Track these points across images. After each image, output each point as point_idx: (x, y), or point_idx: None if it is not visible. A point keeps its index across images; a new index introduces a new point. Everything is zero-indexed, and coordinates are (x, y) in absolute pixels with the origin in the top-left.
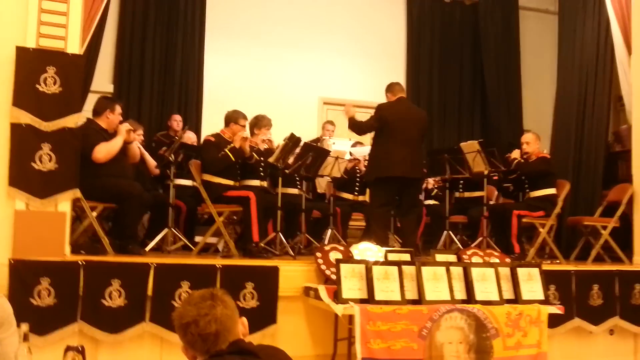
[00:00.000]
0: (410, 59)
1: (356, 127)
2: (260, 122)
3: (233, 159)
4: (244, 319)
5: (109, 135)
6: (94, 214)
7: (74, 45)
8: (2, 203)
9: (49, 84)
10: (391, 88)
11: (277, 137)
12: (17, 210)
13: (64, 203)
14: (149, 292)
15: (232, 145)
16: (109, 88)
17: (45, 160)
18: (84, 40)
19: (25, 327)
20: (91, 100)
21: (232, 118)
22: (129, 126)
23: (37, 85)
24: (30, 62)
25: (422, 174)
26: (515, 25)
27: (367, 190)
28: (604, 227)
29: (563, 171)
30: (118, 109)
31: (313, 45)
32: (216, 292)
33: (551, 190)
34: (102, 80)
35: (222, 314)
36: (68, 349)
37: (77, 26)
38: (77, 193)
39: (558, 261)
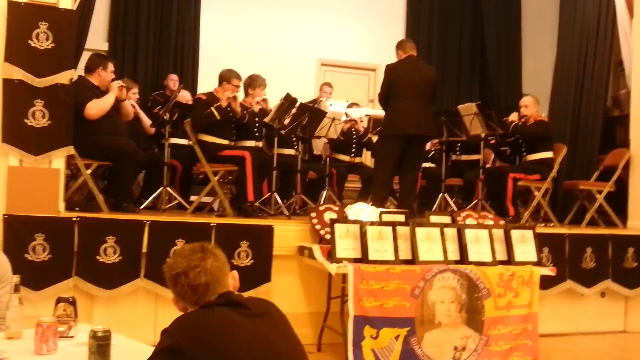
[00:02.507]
0: (410, 20)
1: (380, 102)
2: (254, 82)
3: (218, 117)
4: (235, 273)
5: (101, 92)
6: (89, 171)
7: (67, 0)
8: None
9: (42, 39)
10: (402, 45)
11: (274, 98)
12: (10, 166)
13: (57, 160)
14: (144, 249)
15: (218, 103)
16: (104, 46)
17: (38, 117)
18: None
19: (16, 278)
20: (86, 58)
21: (226, 77)
22: (121, 83)
23: (30, 41)
24: (22, 17)
25: (430, 132)
26: None
27: (364, 152)
28: (600, 192)
29: (561, 135)
30: (110, 66)
31: (311, 5)
32: (207, 245)
33: (548, 154)
34: (97, 38)
35: (212, 265)
36: (59, 300)
37: None
38: (70, 150)
39: (552, 224)
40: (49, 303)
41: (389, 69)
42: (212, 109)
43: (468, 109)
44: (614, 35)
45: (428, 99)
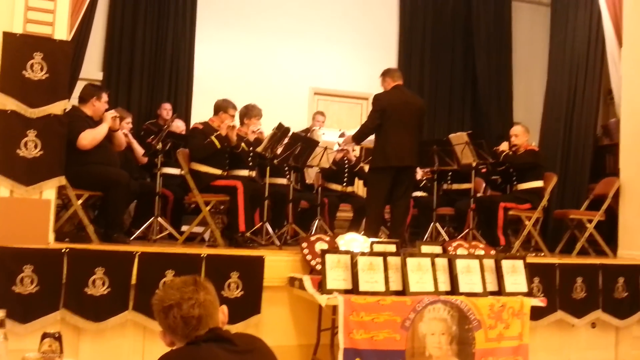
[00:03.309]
0: (402, 50)
1: (360, 135)
2: (250, 112)
3: (219, 145)
4: (225, 307)
5: (94, 123)
6: (80, 201)
7: (62, 31)
8: None
9: (36, 70)
10: (391, 73)
11: (268, 126)
12: (0, 197)
13: (49, 190)
14: (133, 280)
15: (218, 132)
16: (99, 76)
17: (30, 147)
18: (72, 26)
19: (2, 313)
20: (80, 87)
21: (222, 107)
22: (115, 113)
23: (24, 71)
24: (17, 47)
25: (418, 163)
26: (508, 16)
27: (356, 181)
28: (590, 221)
29: (551, 164)
30: (104, 96)
31: (304, 35)
32: (198, 278)
33: (538, 183)
34: (92, 67)
35: (205, 299)
36: (45, 335)
37: (65, 12)
38: (62, 180)
39: (543, 254)
40: (36, 336)
41: (381, 97)
42: (213, 137)
43: (459, 138)
44: (604, 64)
45: (417, 129)
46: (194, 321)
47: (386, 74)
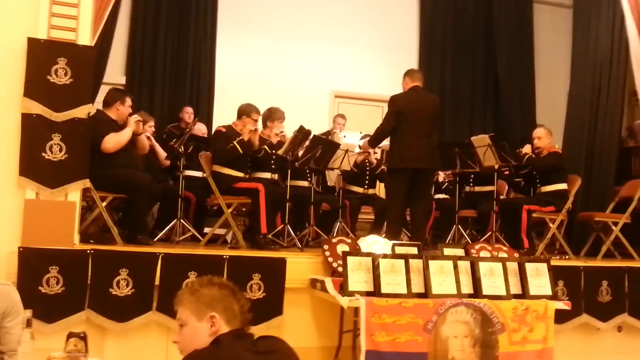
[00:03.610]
0: (423, 52)
1: (375, 138)
2: (273, 115)
3: (241, 151)
4: None
5: (118, 126)
6: (104, 204)
7: (85, 37)
8: (12, 192)
9: (60, 75)
10: (411, 74)
11: (289, 129)
12: (27, 199)
13: (73, 193)
14: (157, 281)
15: (241, 137)
16: (122, 80)
17: (55, 150)
18: (96, 31)
19: (28, 313)
20: (104, 92)
21: (245, 111)
22: (138, 117)
23: (48, 76)
24: (41, 53)
25: (436, 165)
26: (529, 18)
27: (377, 184)
28: (615, 223)
29: (575, 166)
30: (128, 101)
31: (325, 38)
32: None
33: (562, 186)
34: (115, 72)
35: (244, 302)
36: (70, 335)
37: (88, 18)
38: (86, 183)
39: (567, 257)
40: (61, 336)
41: (397, 99)
42: (235, 143)
43: (481, 141)
44: (628, 65)
45: (433, 130)
46: (244, 307)
47: (407, 74)
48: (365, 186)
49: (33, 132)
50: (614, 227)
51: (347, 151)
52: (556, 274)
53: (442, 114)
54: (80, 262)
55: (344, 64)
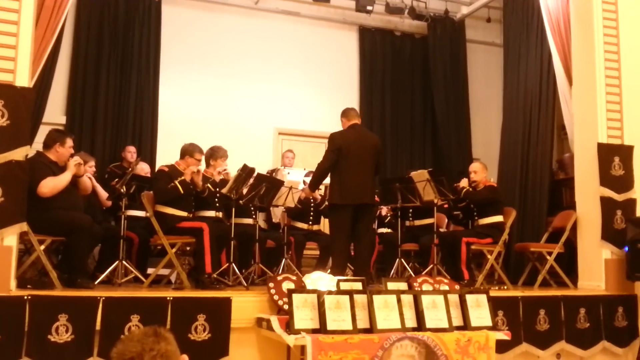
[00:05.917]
0: (363, 90)
1: (315, 181)
2: (216, 153)
3: (182, 191)
4: (185, 357)
5: (58, 168)
6: (42, 247)
7: (23, 78)
8: None
9: None
10: (346, 113)
11: (233, 167)
12: None
13: (10, 237)
14: (98, 326)
15: (182, 177)
16: (62, 119)
17: None
18: (35, 72)
19: None
20: (43, 132)
21: (188, 151)
22: (79, 160)
23: None
24: None
25: (374, 201)
26: (463, 57)
27: (322, 219)
28: (550, 253)
29: (510, 198)
30: (69, 142)
31: (268, 76)
32: (158, 329)
33: (498, 218)
34: (55, 111)
35: (167, 349)
36: None
37: (26, 59)
38: (24, 227)
39: (506, 287)
40: None
41: (336, 137)
42: (176, 182)
43: (421, 176)
44: (556, 101)
45: (372, 166)
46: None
47: (343, 114)
48: (310, 222)
49: None
50: (548, 257)
51: (291, 188)
52: (495, 304)
53: (383, 150)
54: (17, 309)
55: (287, 101)
